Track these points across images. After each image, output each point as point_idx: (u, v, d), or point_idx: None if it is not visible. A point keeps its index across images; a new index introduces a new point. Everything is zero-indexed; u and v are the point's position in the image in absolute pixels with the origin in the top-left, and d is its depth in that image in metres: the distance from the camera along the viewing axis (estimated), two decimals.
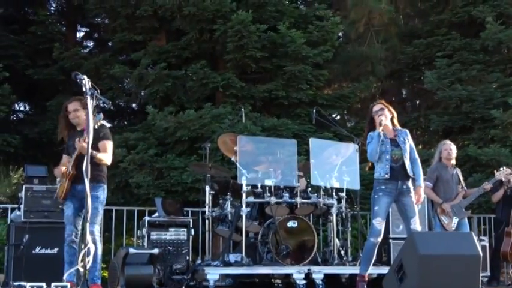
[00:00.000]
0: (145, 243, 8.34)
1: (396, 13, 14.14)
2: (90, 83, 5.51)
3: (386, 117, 6.71)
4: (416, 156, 6.78)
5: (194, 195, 10.43)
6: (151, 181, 10.74)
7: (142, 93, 12.75)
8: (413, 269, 5.36)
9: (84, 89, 5.48)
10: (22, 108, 14.48)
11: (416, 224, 6.54)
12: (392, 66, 13.68)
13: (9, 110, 12.52)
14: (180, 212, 8.85)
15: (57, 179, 6.61)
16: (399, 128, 6.87)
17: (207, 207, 8.80)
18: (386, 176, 6.61)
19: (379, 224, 6.53)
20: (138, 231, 9.00)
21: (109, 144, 6.57)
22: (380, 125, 6.64)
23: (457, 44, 12.69)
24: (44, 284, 4.73)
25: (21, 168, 14.58)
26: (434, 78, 12.21)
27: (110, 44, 14.05)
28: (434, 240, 5.62)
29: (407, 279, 5.41)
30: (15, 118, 14.00)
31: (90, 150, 5.36)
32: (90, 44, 14.90)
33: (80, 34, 14.65)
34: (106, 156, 6.52)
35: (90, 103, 5.45)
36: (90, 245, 5.20)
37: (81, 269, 5.10)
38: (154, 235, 8.39)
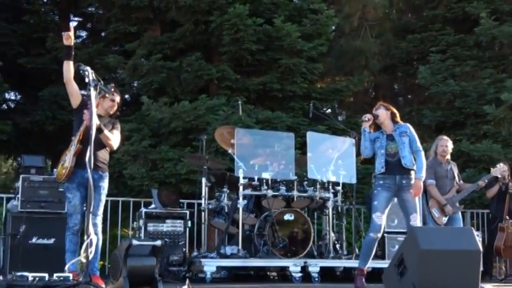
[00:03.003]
0: (142, 235, 8.33)
1: (390, 8, 14.23)
2: (93, 74, 5.51)
3: (377, 116, 6.78)
4: (419, 147, 6.75)
5: (188, 186, 10.41)
6: (145, 172, 10.71)
7: (135, 84, 12.68)
8: (414, 264, 5.37)
9: (87, 80, 5.48)
10: (13, 97, 14.39)
11: (417, 221, 6.57)
12: (386, 61, 13.75)
13: (1, 98, 12.45)
14: (176, 204, 8.84)
15: (62, 159, 6.34)
16: (400, 123, 6.89)
17: (203, 199, 8.79)
18: (382, 169, 6.66)
19: (379, 219, 6.55)
20: (134, 223, 8.98)
21: (118, 133, 6.54)
22: (362, 121, 6.77)
23: (450, 40, 12.76)
24: (46, 275, 4.71)
25: (12, 157, 14.54)
26: (428, 74, 12.26)
27: (103, 34, 13.96)
28: (435, 235, 5.64)
29: (407, 274, 5.42)
30: (6, 107, 13.91)
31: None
32: (84, 34, 14.79)
33: (73, 24, 14.51)
34: (113, 138, 6.41)
35: (93, 94, 5.45)
36: (93, 236, 5.20)
37: (84, 260, 5.10)
38: (151, 226, 8.38)
